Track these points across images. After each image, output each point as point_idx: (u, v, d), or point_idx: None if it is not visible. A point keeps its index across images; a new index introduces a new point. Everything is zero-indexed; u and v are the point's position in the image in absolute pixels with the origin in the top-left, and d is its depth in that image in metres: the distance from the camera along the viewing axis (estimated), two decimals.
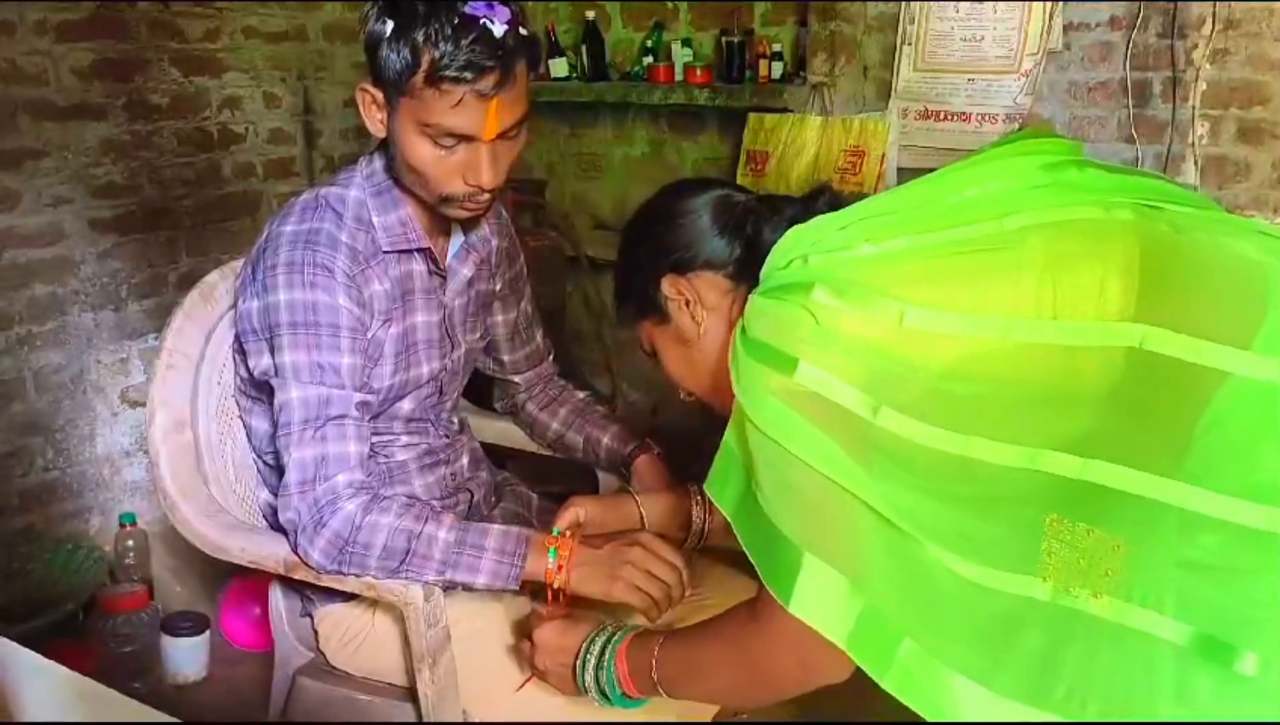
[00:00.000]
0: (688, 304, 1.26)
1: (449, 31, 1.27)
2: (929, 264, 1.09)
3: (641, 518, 1.55)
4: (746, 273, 1.22)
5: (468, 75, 1.28)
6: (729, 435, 1.13)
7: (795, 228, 1.17)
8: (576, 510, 1.51)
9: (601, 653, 1.29)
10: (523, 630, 1.41)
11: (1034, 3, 2.60)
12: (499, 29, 1.29)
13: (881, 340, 1.05)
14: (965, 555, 1.00)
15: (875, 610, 0.99)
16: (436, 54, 1.28)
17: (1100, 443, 0.99)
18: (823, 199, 1.25)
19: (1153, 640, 0.96)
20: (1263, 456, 0.97)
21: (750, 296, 1.16)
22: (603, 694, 1.29)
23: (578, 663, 1.30)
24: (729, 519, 1.11)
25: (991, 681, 0.98)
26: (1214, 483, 0.96)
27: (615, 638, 1.29)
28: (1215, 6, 2.43)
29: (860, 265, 1.10)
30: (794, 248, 1.15)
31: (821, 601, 1.00)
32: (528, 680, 1.40)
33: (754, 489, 1.07)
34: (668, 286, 1.27)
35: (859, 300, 1.06)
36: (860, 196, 1.22)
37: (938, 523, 1.01)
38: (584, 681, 1.30)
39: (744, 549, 1.08)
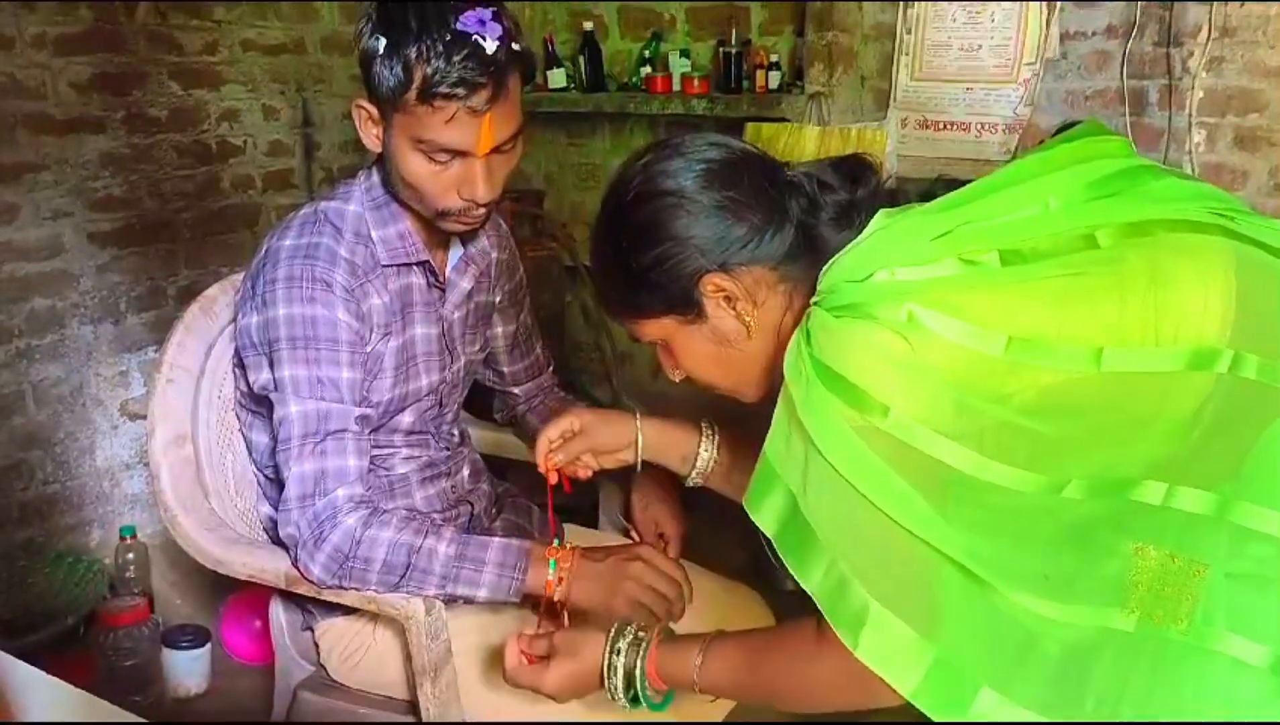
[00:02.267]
0: (730, 301, 1.14)
1: (441, 48, 1.28)
2: (1028, 287, 1.03)
3: (637, 440, 1.47)
4: (799, 262, 1.13)
5: (460, 91, 1.29)
6: (770, 448, 1.06)
7: (876, 234, 1.08)
8: (572, 419, 1.45)
9: (634, 643, 1.21)
10: (512, 679, 1.30)
11: (1032, 2, 2.61)
12: (491, 45, 1.29)
13: (975, 371, 0.99)
14: (1046, 595, 0.96)
15: (947, 661, 0.95)
16: (429, 70, 1.28)
17: (1180, 467, 0.97)
18: (870, 183, 1.17)
19: (1237, 664, 0.94)
20: None
21: (814, 309, 1.08)
22: (628, 683, 1.21)
23: (606, 652, 1.22)
24: (772, 539, 1.04)
25: (1069, 717, 0.95)
26: (1268, 499, 0.95)
27: (642, 644, 1.21)
28: (1211, 14, 2.44)
29: (958, 287, 1.03)
30: (876, 257, 1.06)
31: (891, 652, 0.96)
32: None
33: (804, 514, 1.01)
34: (712, 284, 1.13)
35: (959, 325, 0.99)
36: (897, 190, 1.16)
37: (1018, 564, 0.97)
38: (613, 671, 1.21)
39: (789, 569, 1.02)
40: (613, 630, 1.23)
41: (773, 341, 1.15)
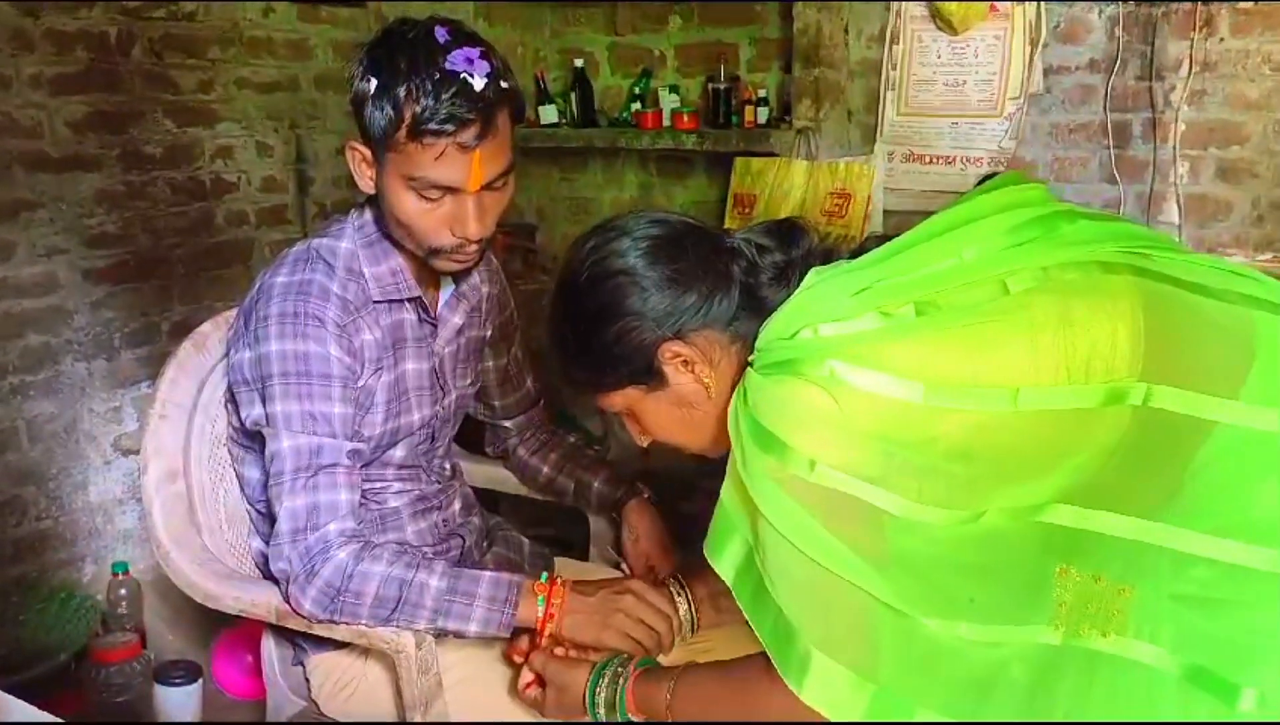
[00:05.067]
0: (688, 365, 1.18)
1: (430, 86, 1.30)
2: (942, 336, 1.07)
3: None
4: (746, 322, 1.18)
5: (449, 127, 1.31)
6: (726, 497, 1.12)
7: (802, 293, 1.14)
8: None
9: (614, 678, 1.30)
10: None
11: (1027, 13, 2.64)
12: (479, 82, 1.32)
13: (898, 421, 1.03)
14: (976, 619, 1.03)
15: (887, 693, 1.02)
16: (418, 108, 1.31)
17: (1100, 493, 1.02)
18: (803, 243, 1.22)
19: (1155, 672, 1.00)
20: (1256, 496, 1.01)
21: (749, 372, 1.13)
22: (610, 709, 1.29)
23: (588, 685, 1.31)
24: (730, 586, 1.12)
25: None
26: (1202, 524, 1.00)
27: (621, 678, 1.30)
28: (1192, 49, 2.48)
29: (876, 339, 1.07)
30: (802, 316, 1.11)
31: (833, 692, 1.04)
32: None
33: (758, 562, 1.08)
34: (670, 351, 1.17)
35: (878, 377, 1.03)
36: (833, 247, 1.22)
37: (948, 596, 1.03)
38: (595, 699, 1.31)
39: (746, 617, 1.10)
40: (596, 666, 1.32)
41: (728, 400, 1.19)
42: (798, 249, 1.22)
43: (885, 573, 1.02)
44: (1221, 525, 1.00)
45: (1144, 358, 1.03)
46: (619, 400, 1.24)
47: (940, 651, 1.03)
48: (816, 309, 1.10)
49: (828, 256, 1.21)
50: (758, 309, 1.17)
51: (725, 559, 1.12)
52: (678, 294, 1.17)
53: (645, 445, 1.31)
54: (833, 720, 1.03)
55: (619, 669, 1.31)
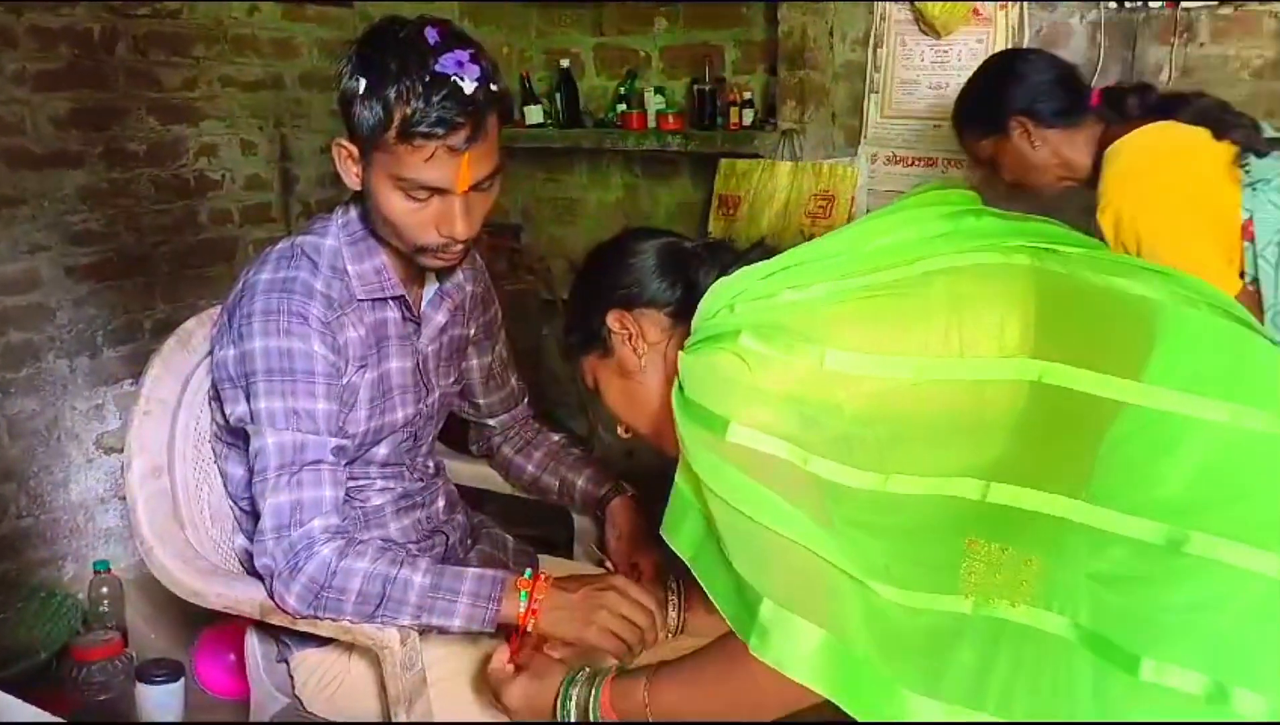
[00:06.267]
0: (630, 338, 1.31)
1: (420, 89, 1.31)
2: (846, 308, 1.16)
3: None
4: (684, 314, 1.27)
5: (439, 131, 1.32)
6: (679, 479, 1.17)
7: (722, 279, 1.23)
8: None
9: (589, 679, 1.29)
10: (487, 677, 1.39)
11: (1009, 17, 2.66)
12: (469, 85, 1.32)
13: (805, 384, 1.11)
14: (894, 583, 1.07)
15: (839, 649, 1.05)
16: (408, 110, 1.31)
17: (1008, 469, 1.07)
18: (758, 250, 1.30)
19: (1068, 644, 1.03)
20: (1162, 475, 1.05)
21: (680, 354, 1.21)
22: (583, 711, 1.28)
23: (561, 684, 1.30)
24: (688, 563, 1.15)
25: (937, 692, 1.05)
26: (1116, 502, 1.04)
27: (597, 678, 1.29)
28: (1172, 55, 2.50)
29: (783, 310, 1.17)
30: (721, 297, 1.21)
31: (795, 647, 1.06)
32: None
33: (714, 536, 1.12)
34: (613, 320, 1.31)
35: (783, 345, 1.12)
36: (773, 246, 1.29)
37: (868, 556, 1.08)
38: (568, 698, 1.29)
39: (705, 589, 1.13)
40: (570, 672, 1.32)
41: (667, 380, 1.27)
42: (749, 252, 1.31)
43: (831, 531, 1.08)
44: (1133, 504, 1.03)
45: (1035, 338, 1.10)
46: (586, 368, 1.38)
47: (875, 608, 1.07)
48: (734, 289, 1.20)
49: (769, 254, 1.28)
50: (698, 298, 1.25)
51: (682, 537, 1.16)
52: (629, 271, 1.32)
53: (625, 436, 1.41)
54: (798, 678, 1.06)
55: (595, 672, 1.31)
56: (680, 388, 1.18)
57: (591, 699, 1.27)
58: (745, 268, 1.23)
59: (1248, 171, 1.86)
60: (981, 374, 1.10)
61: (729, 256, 1.31)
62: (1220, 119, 1.94)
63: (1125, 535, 1.03)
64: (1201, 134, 1.92)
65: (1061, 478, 1.06)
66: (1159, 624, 1.02)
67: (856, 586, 1.07)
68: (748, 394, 1.12)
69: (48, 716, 1.01)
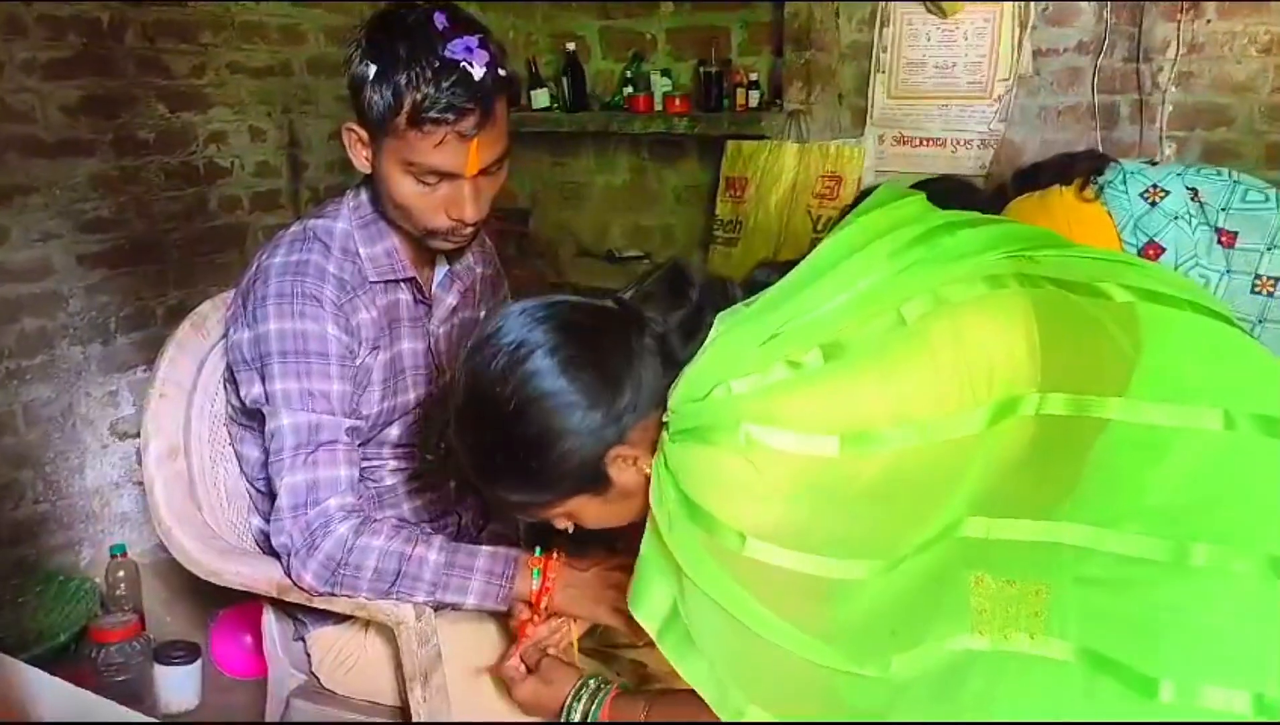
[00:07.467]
0: (634, 462, 1.16)
1: (430, 75, 1.32)
2: (850, 379, 1.07)
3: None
4: (665, 389, 1.14)
5: (449, 116, 1.33)
6: (647, 550, 1.11)
7: (710, 347, 1.12)
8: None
9: (594, 693, 1.31)
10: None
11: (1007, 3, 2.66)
12: (479, 71, 1.33)
13: (816, 475, 1.04)
14: (900, 650, 1.03)
15: None
16: (418, 96, 1.32)
17: (1003, 501, 1.04)
18: (694, 286, 1.20)
19: (1062, 667, 1.00)
20: (1148, 486, 1.03)
21: (664, 438, 1.11)
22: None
23: (571, 690, 1.33)
24: (654, 638, 1.09)
25: None
26: (1097, 517, 1.02)
27: (600, 694, 1.31)
28: (1179, 31, 2.50)
29: (787, 392, 1.06)
30: (712, 374, 1.09)
31: None
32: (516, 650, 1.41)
33: (683, 615, 1.08)
34: (615, 456, 1.15)
35: (793, 436, 1.04)
36: (724, 280, 1.21)
37: (877, 641, 1.04)
38: (575, 702, 1.32)
39: (671, 662, 1.09)
40: (579, 681, 1.33)
41: (646, 479, 1.17)
42: (692, 292, 1.20)
43: (835, 642, 1.03)
44: (1116, 515, 1.01)
45: (1042, 367, 1.06)
46: (564, 509, 1.21)
47: (885, 683, 1.03)
48: (726, 364, 1.09)
49: (723, 291, 1.20)
50: (674, 369, 1.14)
51: (646, 609, 1.10)
52: (610, 400, 1.13)
53: (570, 532, 1.28)
54: None
55: (601, 685, 1.32)
56: (670, 474, 1.09)
57: (592, 714, 1.30)
58: (730, 325, 1.12)
59: (1096, 185, 1.97)
60: (992, 419, 1.04)
61: (679, 311, 1.18)
62: (1067, 166, 2.06)
63: (1108, 550, 1.01)
64: (1051, 191, 2.02)
65: (1050, 501, 1.03)
66: (1167, 628, 0.99)
67: (855, 680, 1.03)
68: (760, 503, 1.05)
69: (72, 687, 1.03)
